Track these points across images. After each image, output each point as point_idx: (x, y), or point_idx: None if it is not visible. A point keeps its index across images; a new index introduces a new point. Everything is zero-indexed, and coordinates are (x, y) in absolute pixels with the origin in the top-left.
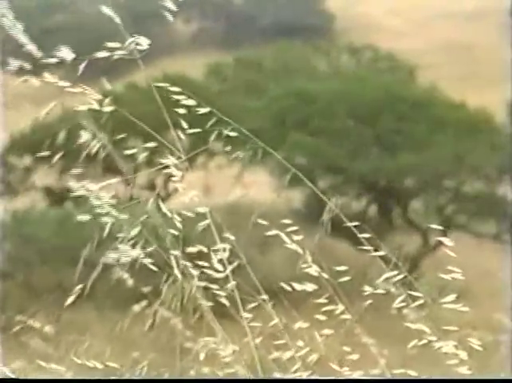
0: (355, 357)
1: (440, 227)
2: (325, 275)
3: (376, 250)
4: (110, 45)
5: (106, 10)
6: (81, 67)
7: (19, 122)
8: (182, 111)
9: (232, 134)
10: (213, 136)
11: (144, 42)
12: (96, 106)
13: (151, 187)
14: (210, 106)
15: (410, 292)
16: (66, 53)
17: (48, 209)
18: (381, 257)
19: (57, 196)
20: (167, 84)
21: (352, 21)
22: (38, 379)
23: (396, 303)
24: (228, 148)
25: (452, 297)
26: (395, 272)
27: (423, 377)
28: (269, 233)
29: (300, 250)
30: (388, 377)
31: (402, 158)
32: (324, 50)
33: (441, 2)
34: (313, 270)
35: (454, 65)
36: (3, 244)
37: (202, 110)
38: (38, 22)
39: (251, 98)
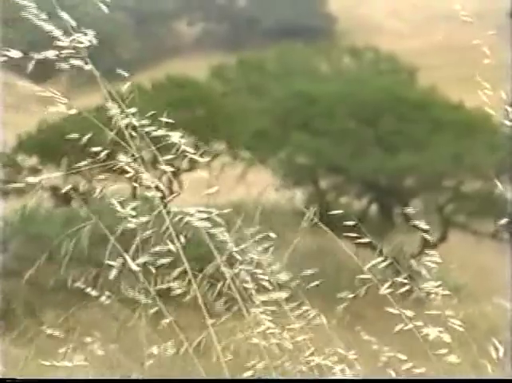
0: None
1: (440, 226)
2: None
3: (374, 247)
4: (59, 43)
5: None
6: (30, 65)
7: (27, 123)
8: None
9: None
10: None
11: (86, 40)
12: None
13: (156, 186)
14: (214, 107)
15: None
16: (14, 53)
17: (54, 208)
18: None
19: (64, 196)
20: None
21: (354, 23)
22: (38, 379)
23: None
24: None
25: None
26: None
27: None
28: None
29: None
30: (389, 376)
31: (402, 158)
32: (325, 52)
33: (441, 4)
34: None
35: (454, 65)
36: (10, 243)
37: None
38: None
39: (254, 99)
